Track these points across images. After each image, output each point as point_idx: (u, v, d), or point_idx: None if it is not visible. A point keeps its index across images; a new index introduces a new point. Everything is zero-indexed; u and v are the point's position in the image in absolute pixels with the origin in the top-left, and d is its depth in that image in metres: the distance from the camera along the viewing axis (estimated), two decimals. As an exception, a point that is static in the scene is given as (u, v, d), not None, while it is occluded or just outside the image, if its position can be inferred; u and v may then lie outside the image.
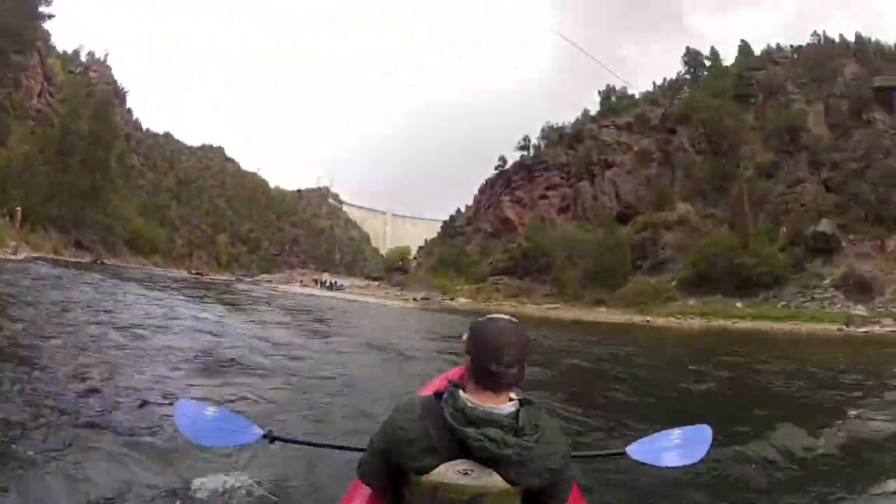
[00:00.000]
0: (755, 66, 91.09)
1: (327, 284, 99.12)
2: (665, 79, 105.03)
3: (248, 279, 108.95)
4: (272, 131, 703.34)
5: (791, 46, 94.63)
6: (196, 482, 5.18)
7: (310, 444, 4.24)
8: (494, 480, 2.33)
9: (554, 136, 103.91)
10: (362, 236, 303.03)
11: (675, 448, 3.66)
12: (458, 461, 2.34)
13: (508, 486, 2.35)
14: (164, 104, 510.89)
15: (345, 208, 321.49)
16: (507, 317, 2.66)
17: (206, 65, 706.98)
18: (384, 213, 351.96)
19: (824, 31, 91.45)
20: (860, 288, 53.96)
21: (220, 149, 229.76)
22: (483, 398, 2.44)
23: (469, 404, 2.39)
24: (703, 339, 37.72)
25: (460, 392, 2.46)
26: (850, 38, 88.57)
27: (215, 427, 3.65)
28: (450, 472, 2.34)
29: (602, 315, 58.72)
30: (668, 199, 76.12)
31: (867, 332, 42.40)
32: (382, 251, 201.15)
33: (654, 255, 70.99)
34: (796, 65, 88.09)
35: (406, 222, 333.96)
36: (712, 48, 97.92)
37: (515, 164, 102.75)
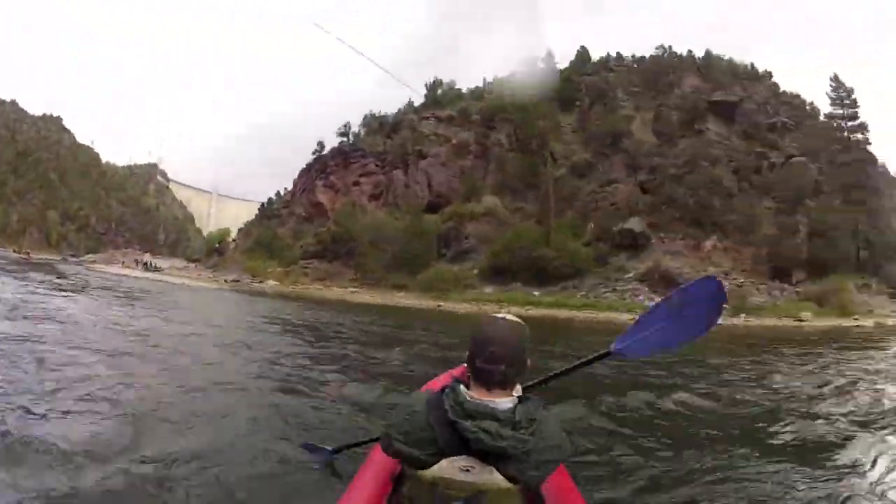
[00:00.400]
0: (588, 71, 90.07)
1: (147, 266, 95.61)
2: (496, 76, 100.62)
3: (74, 259, 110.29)
4: (111, 101, 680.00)
5: (633, 56, 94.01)
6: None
7: (361, 443, 4.59)
8: (494, 478, 2.29)
9: (374, 124, 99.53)
10: (187, 216, 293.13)
11: (678, 319, 3.16)
12: (459, 457, 2.30)
13: (509, 484, 2.30)
14: (12, 69, 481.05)
15: (172, 186, 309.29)
16: (508, 317, 2.67)
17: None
18: (210, 193, 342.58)
19: (670, 46, 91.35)
20: (666, 282, 51.98)
21: (59, 118, 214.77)
22: (481, 393, 2.42)
23: (468, 398, 2.37)
24: None
25: (461, 387, 2.43)
26: (700, 54, 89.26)
27: (317, 456, 5.51)
28: (449, 469, 2.30)
29: (399, 299, 56.29)
30: (479, 191, 73.73)
31: None
32: (206, 232, 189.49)
33: (458, 244, 68.07)
34: (633, 73, 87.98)
35: (231, 203, 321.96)
36: (548, 51, 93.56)
37: (333, 150, 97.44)
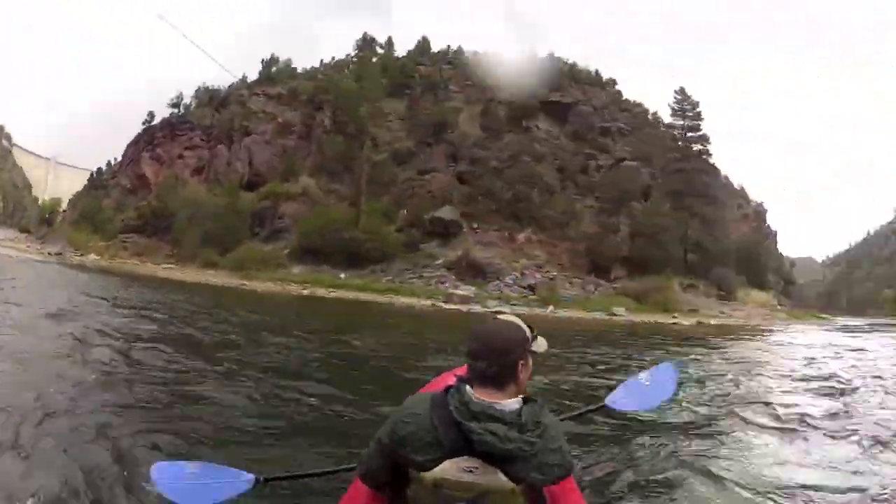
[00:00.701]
0: (424, 62, 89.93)
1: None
2: (333, 58, 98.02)
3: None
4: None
5: (475, 52, 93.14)
6: None
7: (308, 475, 3.91)
8: (498, 479, 2.19)
9: (206, 97, 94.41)
10: (26, 184, 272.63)
11: (647, 391, 3.81)
12: (462, 458, 2.20)
13: (512, 485, 2.21)
14: None
15: (14, 151, 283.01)
16: (506, 316, 2.56)
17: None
18: (48, 160, 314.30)
19: None
20: (474, 270, 54.33)
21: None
22: (485, 394, 2.31)
23: (474, 399, 2.26)
24: (296, 305, 35.99)
25: (467, 387, 2.34)
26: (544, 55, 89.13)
27: (200, 485, 3.14)
28: (453, 470, 2.20)
29: (209, 277, 54.28)
30: (298, 171, 71.99)
31: (459, 308, 42.19)
32: (41, 201, 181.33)
33: (272, 223, 66.29)
34: (469, 67, 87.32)
35: (69, 172, 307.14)
36: (389, 37, 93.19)
37: (162, 121, 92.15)
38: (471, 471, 2.14)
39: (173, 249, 67.18)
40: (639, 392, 3.74)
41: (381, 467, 2.38)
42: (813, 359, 19.57)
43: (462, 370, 3.35)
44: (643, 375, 3.87)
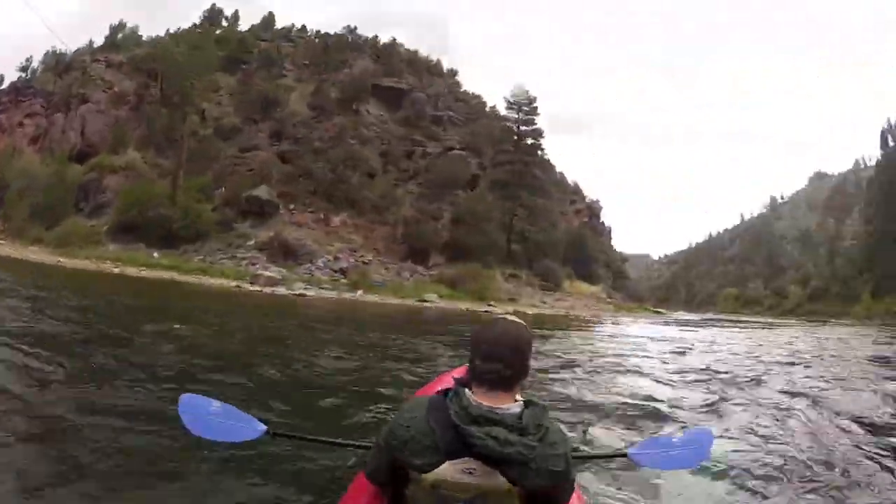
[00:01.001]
0: (266, 38, 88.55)
1: None
2: (179, 27, 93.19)
3: None
4: None
5: (317, 31, 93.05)
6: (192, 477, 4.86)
7: (311, 439, 3.95)
8: (497, 481, 2.20)
9: (52, 61, 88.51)
10: None
11: (676, 451, 3.55)
12: (462, 460, 2.20)
13: (510, 486, 2.21)
14: None
15: None
16: (509, 317, 2.50)
17: None
18: None
19: (356, 27, 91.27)
20: (286, 252, 53.76)
21: None
22: (485, 397, 2.29)
23: (473, 403, 2.25)
24: (105, 286, 32.05)
25: (466, 391, 2.32)
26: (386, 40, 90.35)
27: (218, 422, 3.35)
28: (451, 471, 2.21)
29: (30, 254, 50.63)
30: (127, 143, 68.51)
31: (263, 290, 41.81)
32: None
33: (95, 198, 63.47)
34: (310, 47, 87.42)
35: None
36: (236, 10, 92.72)
37: (10, 86, 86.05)
38: (470, 472, 2.16)
39: (4, 224, 63.40)
40: (666, 450, 3.54)
41: (379, 468, 2.42)
42: (625, 347, 20.57)
43: (458, 372, 3.71)
44: (678, 435, 3.75)
